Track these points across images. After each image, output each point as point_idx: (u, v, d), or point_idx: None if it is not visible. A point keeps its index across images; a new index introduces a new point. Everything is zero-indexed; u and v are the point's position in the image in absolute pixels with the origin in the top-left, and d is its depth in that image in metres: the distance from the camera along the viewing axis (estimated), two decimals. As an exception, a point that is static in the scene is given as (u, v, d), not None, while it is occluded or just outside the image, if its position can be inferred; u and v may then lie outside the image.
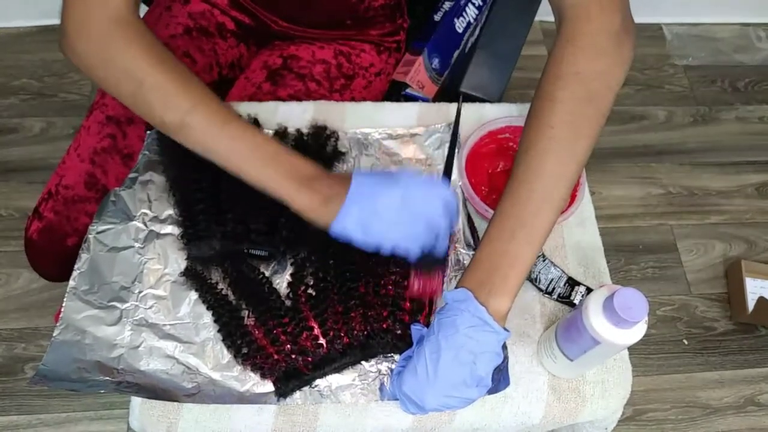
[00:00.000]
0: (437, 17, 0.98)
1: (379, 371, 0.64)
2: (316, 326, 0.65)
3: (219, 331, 0.65)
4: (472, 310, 0.56)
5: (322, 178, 0.61)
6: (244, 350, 0.64)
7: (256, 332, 0.65)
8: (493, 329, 0.56)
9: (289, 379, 0.63)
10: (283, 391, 0.62)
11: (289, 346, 0.64)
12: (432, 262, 0.63)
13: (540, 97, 0.60)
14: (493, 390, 0.63)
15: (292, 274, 0.69)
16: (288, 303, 0.67)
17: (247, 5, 0.90)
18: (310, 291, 0.67)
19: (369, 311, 0.65)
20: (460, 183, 0.75)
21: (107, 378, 0.62)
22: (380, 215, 0.59)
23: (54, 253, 0.80)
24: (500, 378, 0.64)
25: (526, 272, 0.58)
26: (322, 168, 0.63)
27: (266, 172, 0.61)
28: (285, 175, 0.60)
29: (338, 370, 0.64)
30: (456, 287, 0.59)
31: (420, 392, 0.57)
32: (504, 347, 0.65)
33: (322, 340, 0.65)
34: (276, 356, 0.64)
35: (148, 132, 0.78)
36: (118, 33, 0.60)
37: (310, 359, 0.64)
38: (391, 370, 0.65)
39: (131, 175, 0.74)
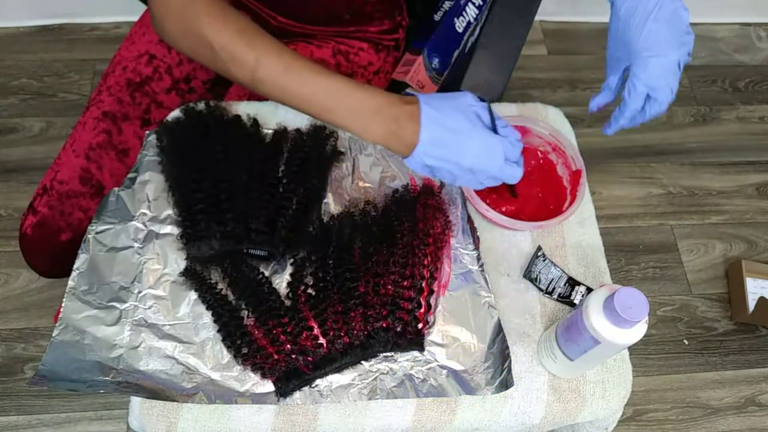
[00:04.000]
0: (437, 17, 0.98)
1: (379, 371, 0.64)
2: (316, 326, 0.65)
3: (219, 331, 0.65)
4: None
5: (388, 105, 0.63)
6: (244, 350, 0.64)
7: (256, 332, 0.65)
8: None
9: (290, 378, 0.63)
10: (283, 391, 0.62)
11: (288, 346, 0.64)
12: None
13: None
14: (499, 389, 0.63)
15: (291, 274, 0.69)
16: (288, 303, 0.67)
17: (245, 1, 0.90)
18: (309, 291, 0.67)
19: (369, 311, 0.65)
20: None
21: (107, 378, 0.61)
22: (454, 134, 0.62)
23: (47, 248, 0.80)
24: (505, 379, 0.64)
25: None
26: (386, 92, 0.65)
27: (333, 114, 0.64)
28: (351, 113, 0.64)
29: (339, 369, 0.64)
30: None
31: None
32: (507, 352, 0.65)
33: (322, 340, 0.65)
34: (276, 356, 0.64)
35: (147, 132, 0.77)
36: (190, 5, 0.66)
37: (310, 359, 0.64)
38: (391, 370, 0.64)
39: (130, 175, 0.73)
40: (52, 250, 0.79)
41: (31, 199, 0.82)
